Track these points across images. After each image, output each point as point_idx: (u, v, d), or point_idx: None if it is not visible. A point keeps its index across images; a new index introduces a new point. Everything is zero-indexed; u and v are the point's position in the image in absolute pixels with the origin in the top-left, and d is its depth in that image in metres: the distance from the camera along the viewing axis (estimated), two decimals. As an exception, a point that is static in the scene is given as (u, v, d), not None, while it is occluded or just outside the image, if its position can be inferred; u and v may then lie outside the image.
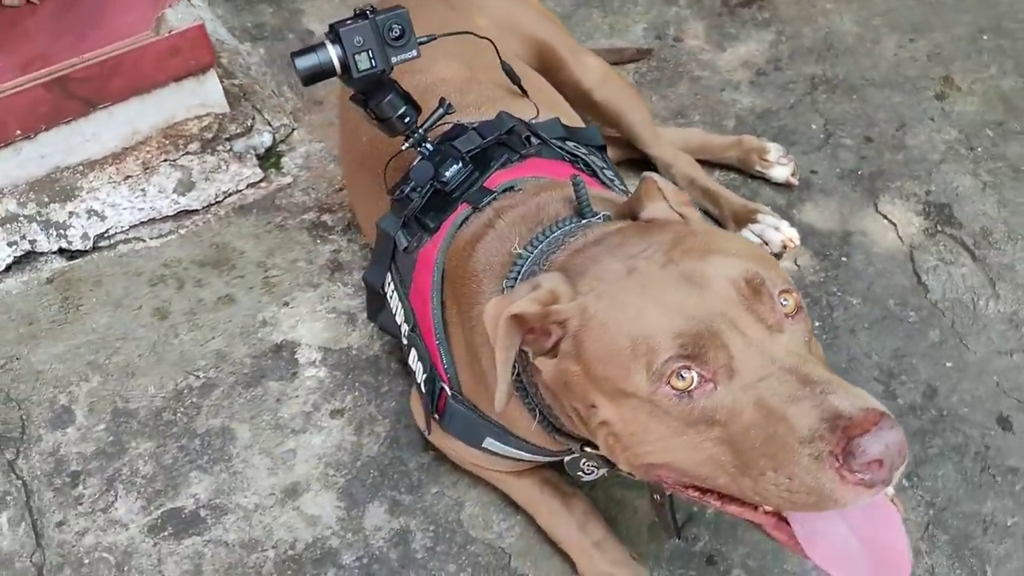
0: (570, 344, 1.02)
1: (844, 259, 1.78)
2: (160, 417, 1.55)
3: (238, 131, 1.87)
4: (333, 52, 1.21)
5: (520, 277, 1.15)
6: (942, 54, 2.18)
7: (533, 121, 1.44)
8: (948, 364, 1.61)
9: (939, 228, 1.82)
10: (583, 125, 1.60)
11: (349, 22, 1.21)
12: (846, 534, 0.97)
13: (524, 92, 1.51)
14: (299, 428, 1.53)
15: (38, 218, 1.73)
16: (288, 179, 1.92)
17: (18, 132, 1.66)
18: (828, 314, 1.70)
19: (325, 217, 1.86)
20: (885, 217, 1.85)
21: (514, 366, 1.07)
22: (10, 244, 1.71)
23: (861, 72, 2.15)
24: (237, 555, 1.39)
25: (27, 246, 1.72)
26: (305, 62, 1.21)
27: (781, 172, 1.90)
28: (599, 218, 1.19)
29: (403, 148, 1.35)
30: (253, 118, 1.91)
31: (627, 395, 0.96)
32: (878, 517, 0.98)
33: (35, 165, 1.73)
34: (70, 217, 1.74)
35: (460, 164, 1.33)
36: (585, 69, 1.78)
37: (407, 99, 1.31)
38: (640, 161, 1.91)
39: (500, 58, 1.47)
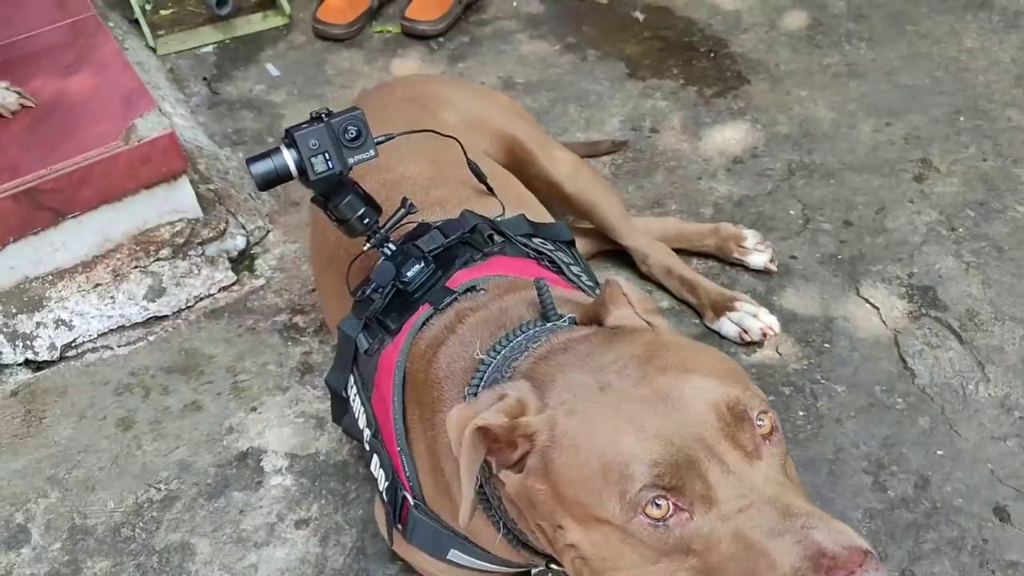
0: (537, 460, 0.97)
1: (827, 345, 1.74)
2: (119, 533, 1.49)
3: (211, 235, 1.87)
4: (289, 156, 1.20)
5: (483, 384, 1.11)
6: (920, 136, 2.18)
7: (498, 218, 1.43)
8: (940, 452, 1.55)
9: (923, 311, 1.78)
10: (552, 220, 1.59)
11: (305, 126, 1.21)
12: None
13: (490, 189, 1.50)
14: (262, 541, 1.47)
15: (4, 329, 1.71)
16: (261, 281, 1.90)
17: (-14, 246, 1.67)
18: (812, 403, 1.64)
19: (297, 319, 1.83)
20: (868, 301, 1.81)
21: (477, 477, 1.02)
22: (-24, 361, 1.69)
23: (838, 157, 2.15)
24: None
25: (-8, 362, 1.71)
26: (260, 167, 1.20)
27: (759, 259, 1.87)
28: (564, 321, 1.15)
29: (364, 249, 1.33)
30: (227, 222, 1.91)
31: (598, 521, 0.91)
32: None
33: (3, 276, 1.72)
34: (37, 327, 1.73)
35: (422, 264, 1.30)
36: (555, 162, 1.78)
37: (367, 200, 1.29)
38: (615, 253, 1.89)
39: (466, 156, 1.46)
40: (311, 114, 1.24)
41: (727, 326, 1.74)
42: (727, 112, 2.31)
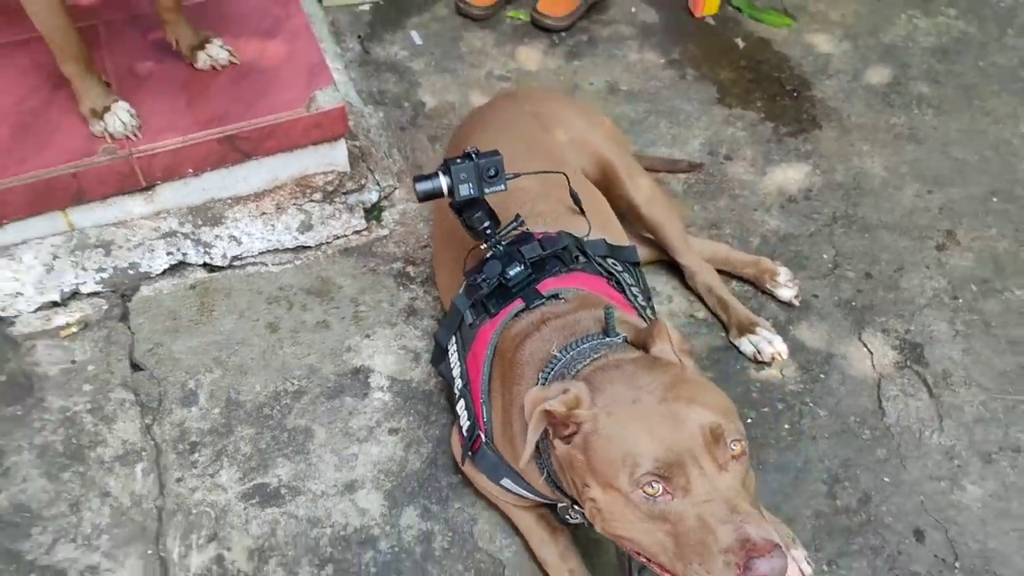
0: (581, 440, 1.42)
1: (822, 376, 2.16)
2: (261, 411, 2.02)
3: (353, 187, 2.33)
4: (443, 181, 1.66)
5: (552, 374, 1.56)
6: (953, 209, 2.53)
7: (584, 238, 1.86)
8: (886, 479, 1.98)
9: (908, 364, 2.18)
10: (625, 241, 2.02)
11: (458, 160, 1.66)
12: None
13: (582, 212, 1.92)
14: (363, 438, 1.98)
15: (191, 236, 2.22)
16: (385, 231, 2.38)
17: (190, 171, 2.15)
18: (797, 420, 2.08)
19: (409, 268, 2.31)
20: (866, 346, 2.21)
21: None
22: (168, 253, 2.21)
23: (878, 214, 2.51)
24: (303, 527, 1.84)
25: (180, 257, 2.22)
26: (423, 186, 1.66)
27: (787, 293, 2.28)
28: (620, 338, 1.59)
29: (482, 247, 1.79)
30: (366, 177, 2.38)
31: (612, 488, 1.37)
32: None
33: (196, 196, 2.22)
34: (215, 239, 2.23)
35: (522, 267, 1.75)
36: (638, 189, 2.19)
37: (491, 215, 1.74)
38: (670, 264, 2.31)
39: (570, 187, 1.89)
40: (464, 151, 1.68)
41: (745, 345, 2.17)
42: (794, 153, 2.67)
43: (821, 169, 2.62)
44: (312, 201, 2.29)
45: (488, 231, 1.75)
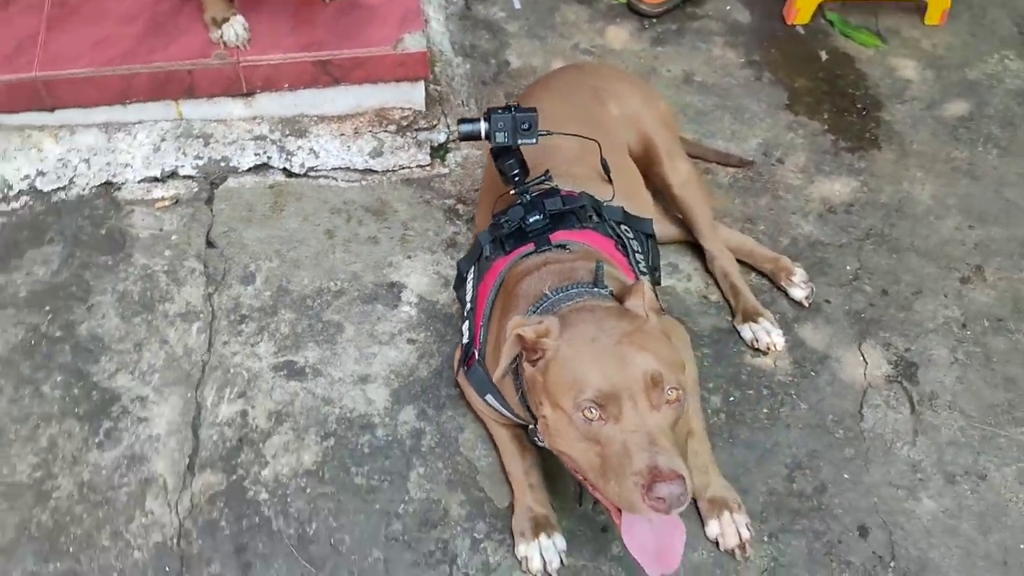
0: (543, 364, 1.65)
1: (813, 373, 2.29)
2: (304, 301, 2.32)
3: (425, 126, 2.60)
4: (483, 126, 1.91)
5: (539, 309, 1.79)
6: (989, 247, 2.58)
7: (605, 202, 2.07)
8: (846, 476, 2.11)
9: (899, 379, 2.29)
10: (648, 215, 2.21)
11: (499, 111, 1.90)
12: (646, 531, 1.59)
13: (610, 181, 2.12)
14: (384, 341, 2.26)
15: (278, 143, 2.54)
16: (446, 170, 2.63)
17: (286, 85, 2.46)
18: (777, 407, 2.23)
19: (459, 206, 2.56)
20: (863, 355, 2.32)
21: (515, 360, 1.72)
22: (256, 154, 2.53)
23: (912, 238, 2.59)
24: (317, 403, 2.14)
25: (265, 159, 2.54)
26: (465, 127, 1.92)
27: (799, 293, 2.41)
28: (605, 290, 1.80)
29: (511, 192, 2.02)
30: (439, 119, 2.64)
31: (559, 407, 1.60)
32: (669, 531, 1.59)
33: (288, 109, 2.54)
34: (297, 149, 2.54)
35: (541, 216, 1.98)
36: (675, 170, 2.37)
37: (522, 165, 1.97)
38: (695, 245, 2.48)
39: (601, 155, 2.09)
40: (506, 102, 1.91)
41: (746, 331, 2.32)
42: (847, 167, 2.77)
43: (869, 187, 2.72)
44: (386, 131, 2.57)
45: (517, 178, 1.98)
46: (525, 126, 1.89)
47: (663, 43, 3.09)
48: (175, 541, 1.93)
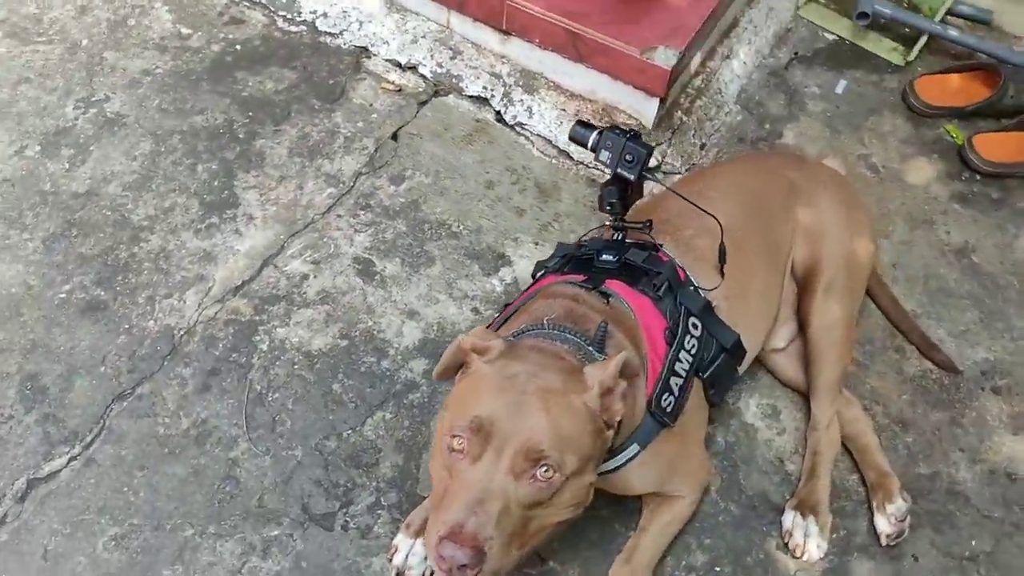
0: (460, 377, 1.57)
1: (826, 612, 1.88)
2: (420, 224, 2.39)
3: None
4: (593, 137, 1.78)
5: (524, 331, 1.66)
6: None
7: (694, 287, 1.84)
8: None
9: None
10: (752, 333, 1.92)
11: (616, 132, 1.76)
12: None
13: (721, 271, 1.88)
14: (455, 297, 2.25)
15: (507, 88, 2.59)
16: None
17: (536, 40, 2.50)
18: None
19: (619, 230, 2.43)
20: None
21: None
22: (484, 87, 2.62)
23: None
24: (360, 308, 2.21)
25: (487, 95, 2.61)
26: (578, 130, 1.81)
27: (884, 526, 1.95)
28: (587, 344, 1.61)
29: (608, 224, 1.88)
30: (659, 145, 2.49)
31: (442, 424, 1.51)
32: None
33: (532, 62, 2.57)
34: (518, 102, 2.57)
35: (615, 259, 1.82)
36: (823, 311, 2.02)
37: (620, 197, 1.82)
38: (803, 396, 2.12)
39: (722, 240, 1.85)
40: (629, 129, 1.77)
41: (787, 518, 1.93)
42: (1070, 446, 2.15)
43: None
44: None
45: (610, 208, 1.83)
46: (629, 158, 1.73)
47: (966, 203, 2.59)
48: (180, 333, 2.15)
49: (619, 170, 1.76)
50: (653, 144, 2.45)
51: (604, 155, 1.77)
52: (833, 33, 2.98)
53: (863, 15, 2.82)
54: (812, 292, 2.04)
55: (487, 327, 1.82)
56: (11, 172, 2.41)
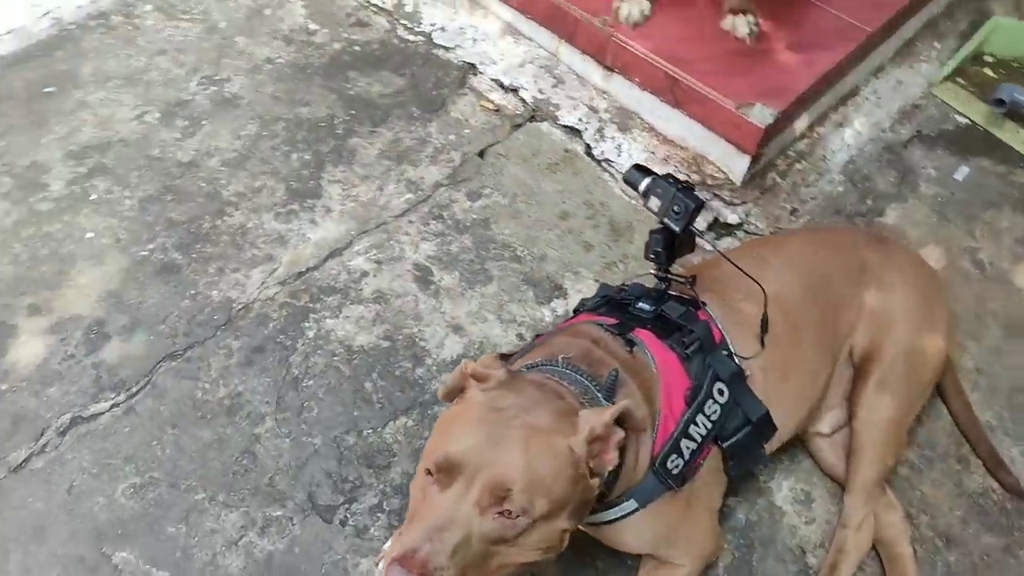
0: (457, 401, 1.55)
1: None
2: (488, 243, 2.40)
3: (727, 198, 2.41)
4: (645, 183, 1.74)
5: (538, 364, 1.64)
6: None
7: (729, 352, 1.76)
8: None
9: None
10: (784, 412, 1.82)
11: (668, 181, 1.71)
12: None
13: (762, 342, 1.79)
14: (504, 319, 2.25)
15: (601, 123, 2.58)
16: (708, 248, 2.42)
17: (637, 80, 2.47)
18: None
19: (684, 282, 2.36)
20: None
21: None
22: (579, 119, 2.63)
23: None
24: (409, 313, 2.25)
25: (582, 127, 2.61)
26: (632, 174, 1.77)
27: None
28: (595, 389, 1.57)
29: (651, 272, 1.84)
30: (744, 203, 2.41)
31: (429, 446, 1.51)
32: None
33: (631, 102, 2.56)
34: (609, 138, 2.56)
35: (651, 309, 1.78)
36: (873, 405, 1.88)
37: (666, 247, 1.77)
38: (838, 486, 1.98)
39: (765, 309, 1.77)
40: (685, 180, 1.71)
41: (792, 615, 1.83)
42: None
43: None
44: (689, 177, 2.43)
45: (654, 257, 1.78)
46: (677, 209, 1.68)
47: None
48: (238, 307, 2.25)
49: (665, 220, 1.71)
50: (705, 198, 2.40)
51: (654, 202, 1.73)
52: (966, 117, 2.80)
53: (999, 102, 2.64)
54: (865, 382, 1.91)
55: (509, 355, 1.82)
56: (128, 133, 2.60)
